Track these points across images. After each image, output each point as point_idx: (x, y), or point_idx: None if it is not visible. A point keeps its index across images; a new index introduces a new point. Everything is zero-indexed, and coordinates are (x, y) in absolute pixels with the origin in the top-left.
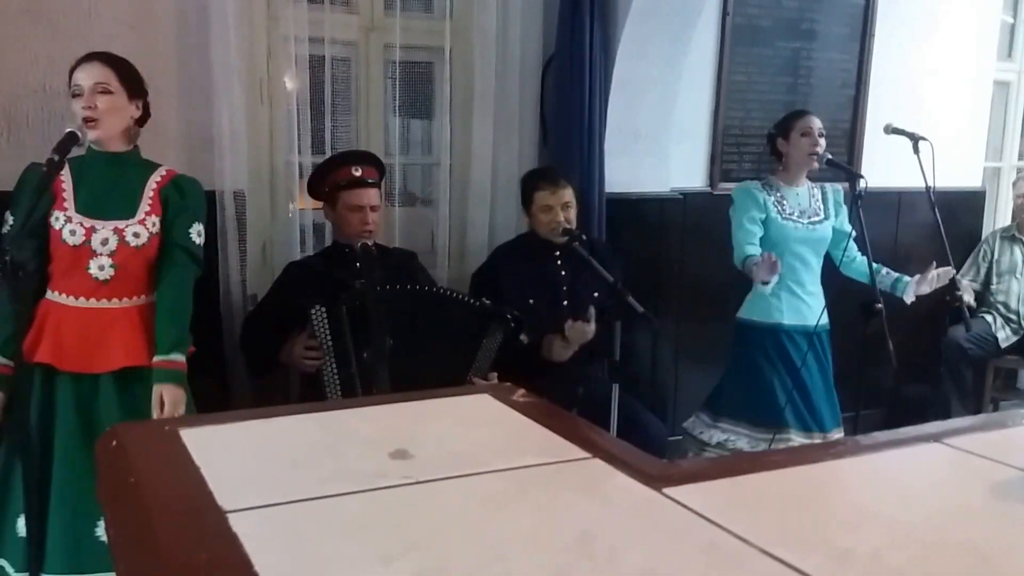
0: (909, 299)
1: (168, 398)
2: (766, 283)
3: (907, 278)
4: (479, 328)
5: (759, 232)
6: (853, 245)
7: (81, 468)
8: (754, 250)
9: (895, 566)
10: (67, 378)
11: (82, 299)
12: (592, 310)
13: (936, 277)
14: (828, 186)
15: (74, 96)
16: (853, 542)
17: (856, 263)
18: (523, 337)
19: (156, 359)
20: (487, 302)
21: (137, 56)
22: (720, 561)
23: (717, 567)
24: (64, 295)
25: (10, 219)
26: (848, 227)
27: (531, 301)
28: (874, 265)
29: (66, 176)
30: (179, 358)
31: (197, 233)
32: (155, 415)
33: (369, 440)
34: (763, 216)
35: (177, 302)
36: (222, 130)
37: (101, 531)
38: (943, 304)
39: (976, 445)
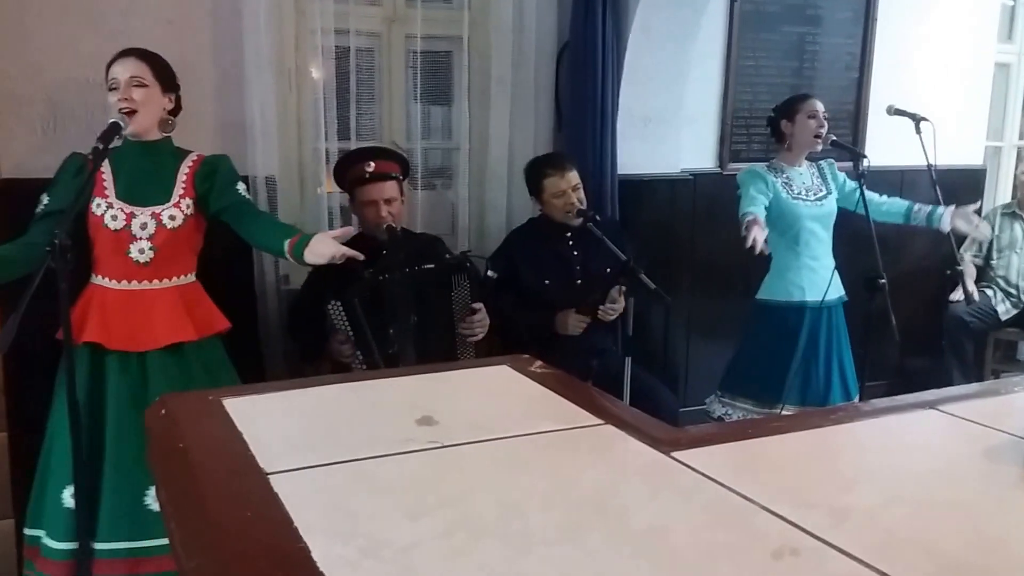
0: (946, 228)
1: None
2: (753, 246)
3: (941, 208)
4: (448, 286)
5: (764, 201)
6: (869, 194)
7: (132, 440)
8: (754, 207)
9: (889, 524)
10: (116, 356)
11: (124, 282)
12: (620, 288)
13: (977, 226)
14: (823, 162)
15: (110, 89)
16: (850, 501)
17: (884, 206)
18: (491, 273)
19: (287, 242)
20: (447, 257)
21: (173, 49)
22: (725, 518)
23: (722, 523)
24: (107, 279)
25: (44, 199)
26: (852, 183)
27: (546, 282)
28: (906, 203)
29: (105, 166)
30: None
31: (243, 191)
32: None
33: (397, 408)
34: (770, 194)
35: (264, 221)
36: (254, 119)
37: (151, 499)
38: (945, 278)
39: (970, 411)
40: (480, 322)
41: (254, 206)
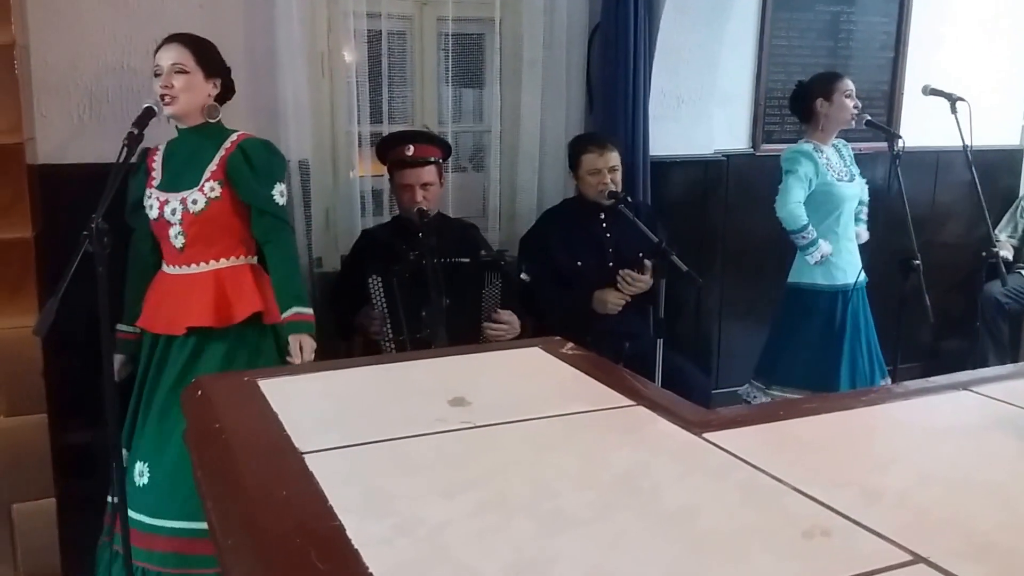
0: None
1: (304, 345)
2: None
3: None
4: (480, 282)
5: (806, 193)
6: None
7: (160, 418)
8: (806, 219)
9: (920, 504)
10: (163, 338)
11: (171, 266)
12: (648, 263)
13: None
14: (837, 141)
15: (155, 76)
16: (881, 482)
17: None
18: (524, 276)
19: (283, 316)
20: (483, 254)
21: (206, 34)
22: (755, 498)
23: (752, 503)
24: (165, 264)
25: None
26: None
27: (579, 263)
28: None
29: (158, 157)
30: (303, 310)
31: (280, 193)
32: (293, 362)
33: (430, 389)
34: (816, 179)
35: (281, 265)
36: (287, 103)
37: (141, 476)
38: (980, 259)
39: (1003, 393)
40: (509, 324)
41: (282, 231)
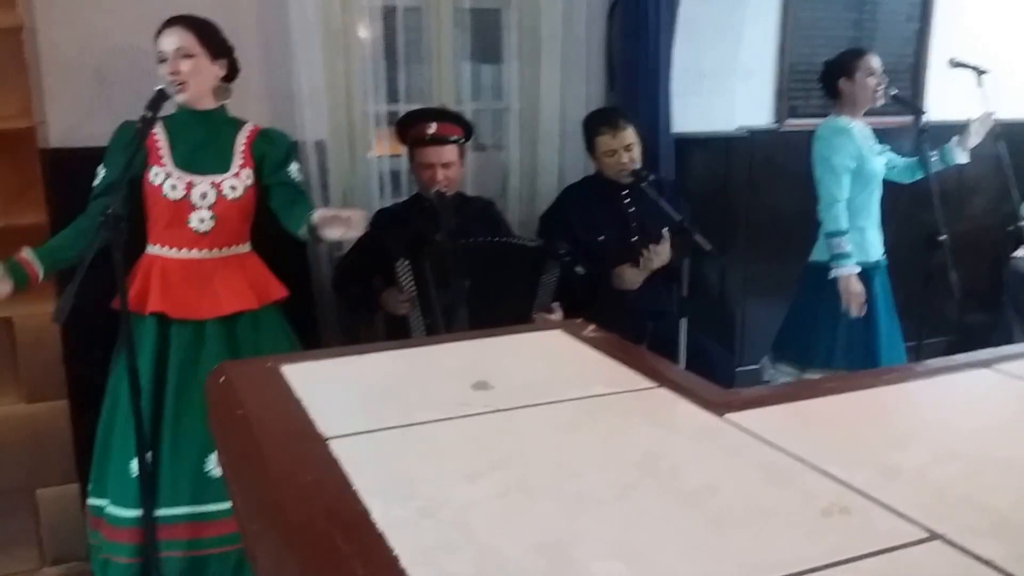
0: (964, 159)
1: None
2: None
3: (948, 145)
4: (536, 267)
5: (849, 186)
6: (890, 156)
7: (192, 408)
8: (845, 226)
9: (939, 482)
10: (177, 325)
11: (184, 250)
12: (665, 231)
13: (979, 123)
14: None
15: (160, 62)
16: (900, 460)
17: (899, 169)
18: (579, 269)
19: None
20: (541, 241)
21: (218, 15)
22: (775, 477)
23: (772, 482)
24: (167, 247)
25: (101, 172)
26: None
27: (600, 238)
28: (915, 158)
29: (160, 133)
30: None
31: (297, 170)
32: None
33: (452, 373)
34: (857, 160)
35: (299, 207)
36: (302, 83)
37: (211, 465)
38: (1006, 234)
39: None
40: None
41: (302, 193)
